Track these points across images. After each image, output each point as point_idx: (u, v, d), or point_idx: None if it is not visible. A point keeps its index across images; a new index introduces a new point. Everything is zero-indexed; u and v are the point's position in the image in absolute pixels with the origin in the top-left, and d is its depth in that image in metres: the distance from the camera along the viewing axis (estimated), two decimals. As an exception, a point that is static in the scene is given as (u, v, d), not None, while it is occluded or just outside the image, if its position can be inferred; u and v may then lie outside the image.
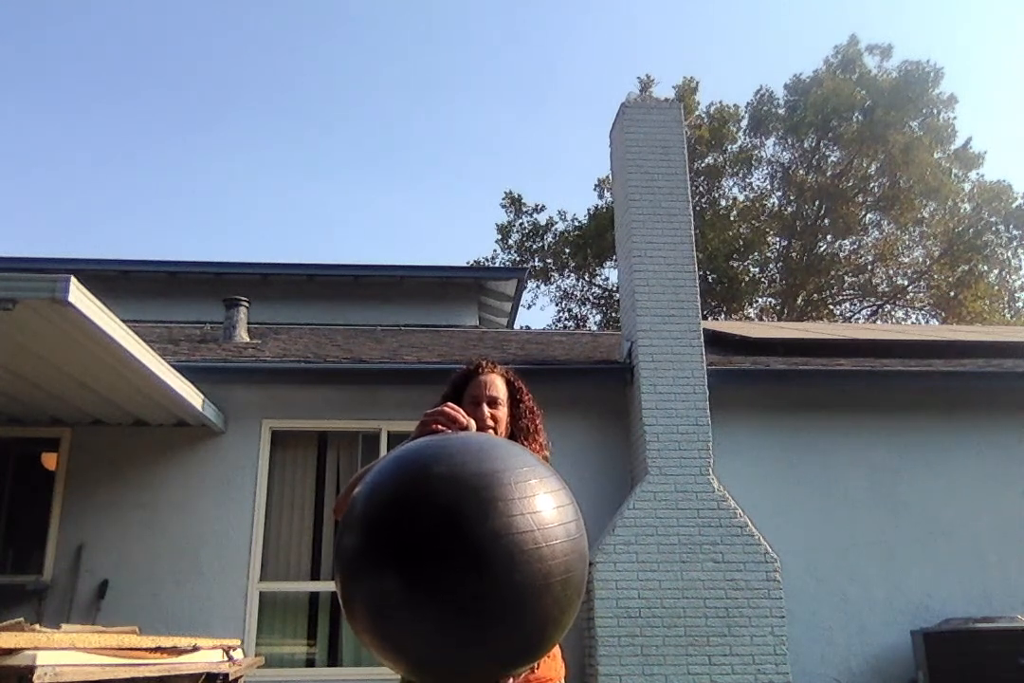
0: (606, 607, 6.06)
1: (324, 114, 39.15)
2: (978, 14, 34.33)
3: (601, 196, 24.38)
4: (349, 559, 1.54)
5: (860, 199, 23.85)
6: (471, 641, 1.46)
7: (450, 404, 1.98)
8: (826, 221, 23.90)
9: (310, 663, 6.62)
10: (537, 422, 2.29)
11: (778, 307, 23.92)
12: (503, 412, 2.22)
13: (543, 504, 1.52)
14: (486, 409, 2.18)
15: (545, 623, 1.50)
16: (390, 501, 1.54)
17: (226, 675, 4.48)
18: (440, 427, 1.88)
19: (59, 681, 2.82)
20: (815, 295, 23.96)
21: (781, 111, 24.42)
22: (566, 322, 25.04)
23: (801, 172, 24.56)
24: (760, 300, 24.57)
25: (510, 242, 24.84)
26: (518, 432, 2.24)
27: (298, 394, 7.04)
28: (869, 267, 24.00)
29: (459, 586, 1.42)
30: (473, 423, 1.98)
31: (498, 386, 2.24)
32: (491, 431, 2.16)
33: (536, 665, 1.80)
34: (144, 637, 3.72)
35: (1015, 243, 22.52)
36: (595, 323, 24.93)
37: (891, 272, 24.18)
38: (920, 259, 23.98)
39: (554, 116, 39.22)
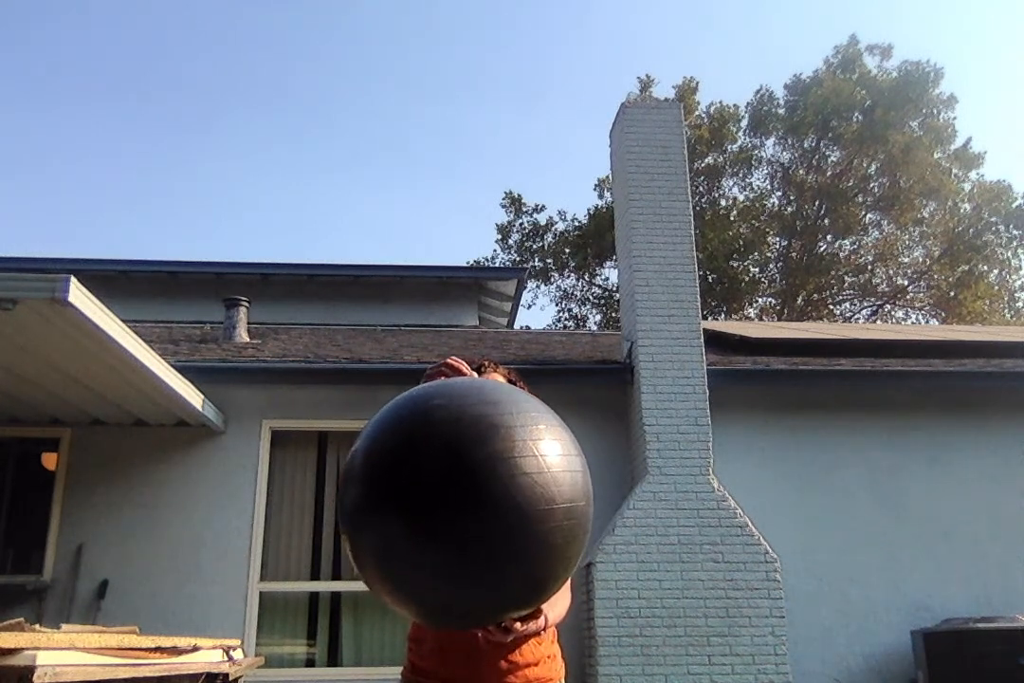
0: (606, 607, 6.06)
1: (324, 113, 39.18)
2: (978, 14, 34.36)
3: (601, 196, 24.39)
4: (355, 503, 1.53)
5: (860, 199, 23.84)
6: (474, 574, 1.45)
7: (454, 357, 2.00)
8: (826, 221, 23.89)
9: (310, 663, 6.61)
10: None
11: (778, 307, 23.91)
12: None
13: (543, 434, 1.54)
14: None
15: (548, 553, 1.49)
16: (392, 433, 1.57)
17: (226, 675, 4.48)
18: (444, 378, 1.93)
19: (59, 681, 2.82)
20: (815, 295, 23.95)
21: (781, 111, 24.41)
22: (566, 322, 25.04)
23: (801, 172, 24.55)
24: (760, 300, 24.58)
25: (510, 242, 24.84)
26: None
27: (298, 394, 7.04)
28: (869, 267, 23.99)
29: (461, 509, 1.42)
30: (476, 376, 1.99)
31: (501, 384, 2.24)
32: None
33: (544, 626, 1.78)
34: (144, 637, 3.72)
35: (1015, 243, 22.52)
36: (595, 323, 24.93)
37: (891, 272, 24.18)
38: (920, 259, 23.98)
39: (554, 116, 39.26)
